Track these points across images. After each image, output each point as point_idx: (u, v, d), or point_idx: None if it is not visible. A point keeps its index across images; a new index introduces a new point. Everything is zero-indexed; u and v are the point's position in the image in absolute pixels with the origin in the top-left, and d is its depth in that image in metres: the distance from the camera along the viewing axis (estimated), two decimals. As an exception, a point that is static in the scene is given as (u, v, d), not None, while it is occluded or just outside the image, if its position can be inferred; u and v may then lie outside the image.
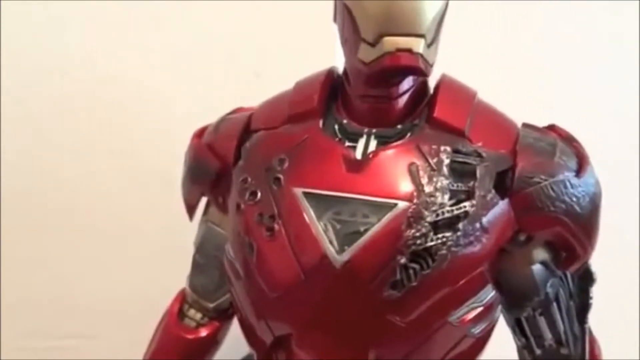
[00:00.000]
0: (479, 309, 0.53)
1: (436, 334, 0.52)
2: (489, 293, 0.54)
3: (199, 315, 0.69)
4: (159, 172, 0.86)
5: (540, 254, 0.55)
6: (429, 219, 0.50)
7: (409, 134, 0.54)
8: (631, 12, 0.88)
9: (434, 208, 0.50)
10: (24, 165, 0.94)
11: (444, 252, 0.49)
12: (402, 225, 0.50)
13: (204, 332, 0.68)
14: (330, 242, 0.51)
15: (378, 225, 0.50)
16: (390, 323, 0.51)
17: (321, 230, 0.51)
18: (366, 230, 0.50)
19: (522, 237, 0.54)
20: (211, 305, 0.67)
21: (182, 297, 0.70)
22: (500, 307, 0.56)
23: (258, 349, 0.59)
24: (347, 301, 0.51)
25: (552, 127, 0.57)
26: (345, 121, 0.56)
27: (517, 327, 0.57)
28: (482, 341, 0.56)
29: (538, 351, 0.57)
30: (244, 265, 0.56)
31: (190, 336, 0.68)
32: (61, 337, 0.92)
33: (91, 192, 0.95)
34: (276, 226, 0.53)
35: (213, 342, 0.69)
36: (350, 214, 0.51)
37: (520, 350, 0.59)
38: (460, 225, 0.50)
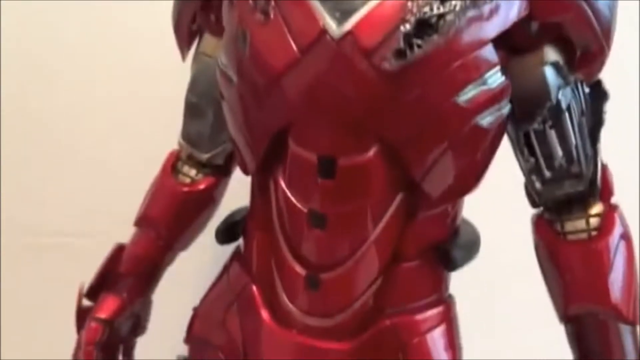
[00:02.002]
0: (489, 93, 0.48)
1: (444, 118, 0.48)
2: (499, 78, 0.49)
3: (193, 172, 0.66)
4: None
5: (552, 54, 0.51)
6: None
7: None
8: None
9: None
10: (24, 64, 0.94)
11: (451, 17, 0.45)
12: None
13: (200, 186, 0.65)
14: (330, 16, 0.47)
15: None
16: (394, 100, 0.47)
17: (319, 5, 0.47)
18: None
19: (534, 27, 0.50)
20: (206, 155, 0.64)
21: (174, 155, 0.67)
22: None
23: (251, 168, 0.55)
24: (347, 79, 0.47)
25: None
26: None
27: (526, 146, 0.53)
28: (492, 138, 0.51)
29: (547, 173, 0.54)
30: (237, 63, 0.51)
31: (185, 189, 0.65)
32: (59, 235, 0.92)
33: (91, 93, 0.95)
34: (271, 10, 0.48)
35: (209, 198, 0.66)
36: None
37: (528, 177, 0.55)
38: None
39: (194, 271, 0.76)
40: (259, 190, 0.57)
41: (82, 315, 0.67)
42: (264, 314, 0.56)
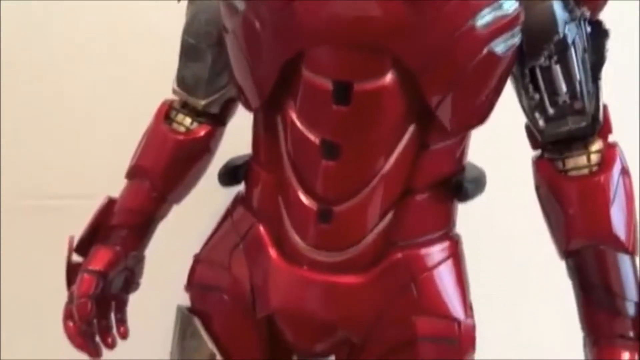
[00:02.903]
0: (504, 20, 0.49)
1: (460, 42, 0.48)
2: (513, 4, 0.50)
3: (188, 120, 0.64)
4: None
5: None
6: None
7: None
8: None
9: None
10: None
11: None
12: None
13: (195, 134, 0.64)
14: None
15: None
16: (412, 21, 0.47)
17: None
18: None
19: None
20: (202, 102, 0.62)
21: (167, 104, 0.65)
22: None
23: (256, 104, 0.53)
24: None
25: None
26: None
27: (531, 82, 0.54)
28: (503, 70, 0.52)
29: (551, 110, 0.54)
30: None
31: (180, 137, 0.64)
32: (58, 197, 0.92)
33: (91, 54, 0.94)
34: None
35: (205, 147, 0.65)
36: None
37: (531, 116, 0.56)
38: None
39: (189, 226, 0.75)
40: (265, 129, 0.56)
41: (73, 270, 0.65)
42: (272, 252, 0.55)
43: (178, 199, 0.68)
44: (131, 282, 0.69)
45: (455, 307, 0.54)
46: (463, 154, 0.56)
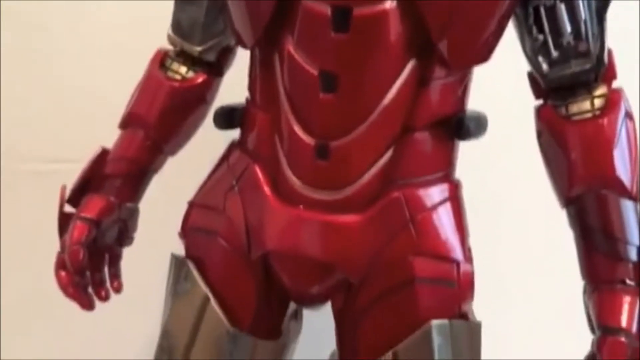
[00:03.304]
0: None
1: None
2: None
3: (183, 69, 0.63)
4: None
5: None
6: None
7: None
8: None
9: None
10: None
11: None
12: None
13: (191, 82, 0.62)
14: None
15: None
16: None
17: None
18: None
19: None
20: (198, 48, 0.61)
21: (162, 52, 0.64)
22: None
23: (251, 40, 0.53)
24: None
25: None
26: None
27: (535, 22, 0.53)
28: (507, 3, 0.51)
29: (555, 53, 0.53)
30: None
31: (176, 84, 0.62)
32: (57, 161, 0.92)
33: (90, 19, 0.93)
34: None
35: (201, 97, 0.63)
36: None
37: (534, 60, 0.54)
38: None
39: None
40: (261, 67, 0.55)
41: (65, 220, 0.64)
42: (268, 192, 0.54)
43: (173, 150, 0.66)
44: (125, 235, 0.68)
45: (454, 249, 0.53)
46: (465, 94, 0.55)
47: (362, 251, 0.53)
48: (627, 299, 0.52)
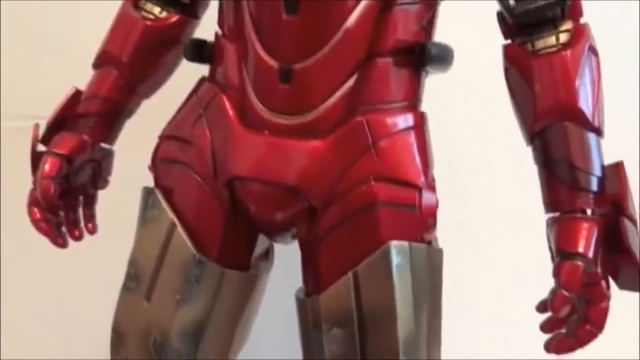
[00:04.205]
0: None
1: None
2: None
3: (157, 9, 0.64)
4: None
5: None
6: None
7: None
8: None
9: None
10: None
11: None
12: None
13: (164, 21, 0.63)
14: None
15: None
16: None
17: None
18: None
19: None
20: None
21: None
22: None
23: None
24: None
25: None
26: None
27: None
28: None
29: None
30: None
31: (149, 22, 0.63)
32: (37, 118, 0.90)
33: None
34: None
35: (174, 37, 0.64)
36: None
37: None
38: None
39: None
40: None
41: (37, 159, 0.64)
42: (234, 119, 0.55)
43: (147, 92, 0.67)
44: (99, 176, 0.68)
45: (416, 175, 0.54)
46: (431, 25, 0.56)
47: (325, 175, 0.53)
48: (585, 226, 0.52)
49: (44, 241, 0.67)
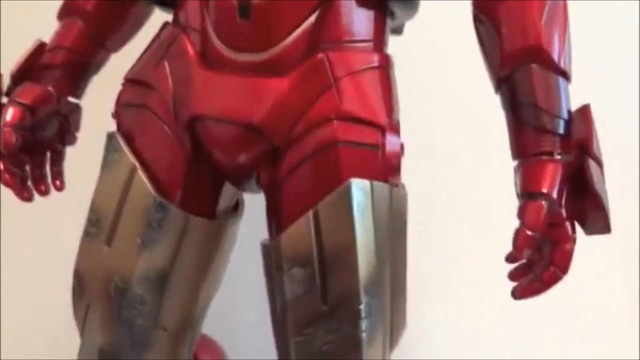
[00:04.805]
0: None
1: None
2: None
3: None
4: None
5: None
6: None
7: None
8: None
9: None
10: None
11: None
12: None
13: None
14: None
15: None
16: None
17: None
18: None
19: None
20: None
21: None
22: None
23: None
24: None
25: None
26: None
27: None
28: None
29: None
30: None
31: None
32: None
33: None
34: None
35: None
36: None
37: None
38: None
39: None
40: None
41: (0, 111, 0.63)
42: (194, 58, 0.54)
43: (115, 46, 0.66)
44: (67, 131, 0.67)
45: (379, 115, 0.53)
46: None
47: (286, 113, 0.52)
48: (550, 167, 0.52)
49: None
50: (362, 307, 0.50)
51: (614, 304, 0.87)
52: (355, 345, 0.51)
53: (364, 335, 0.51)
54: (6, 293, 0.95)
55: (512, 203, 0.54)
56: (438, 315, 0.91)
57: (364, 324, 0.51)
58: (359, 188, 0.51)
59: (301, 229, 0.51)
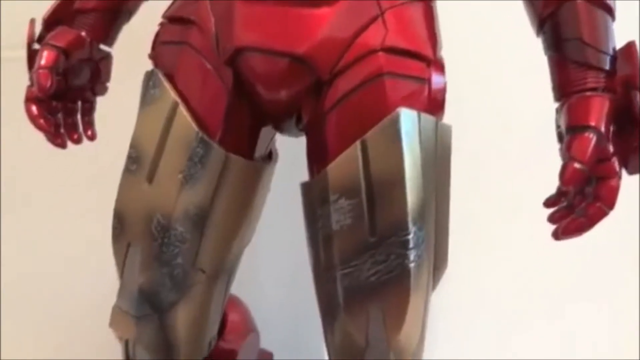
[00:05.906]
0: None
1: None
2: None
3: None
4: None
5: None
6: None
7: None
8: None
9: None
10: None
11: None
12: None
13: None
14: None
15: None
16: None
17: None
18: None
19: None
20: None
21: None
22: None
23: None
24: None
25: None
26: None
27: None
28: None
29: None
30: None
31: None
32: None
33: None
34: None
35: None
36: None
37: None
38: None
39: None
40: None
41: (34, 57, 0.62)
42: None
43: None
44: (97, 79, 0.67)
45: (425, 47, 0.53)
46: None
47: (332, 44, 0.52)
48: (597, 101, 0.51)
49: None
50: (410, 237, 0.50)
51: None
52: (403, 275, 0.51)
53: (412, 265, 0.50)
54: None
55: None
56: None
57: (412, 254, 0.50)
58: (408, 118, 0.51)
59: (349, 159, 0.51)
